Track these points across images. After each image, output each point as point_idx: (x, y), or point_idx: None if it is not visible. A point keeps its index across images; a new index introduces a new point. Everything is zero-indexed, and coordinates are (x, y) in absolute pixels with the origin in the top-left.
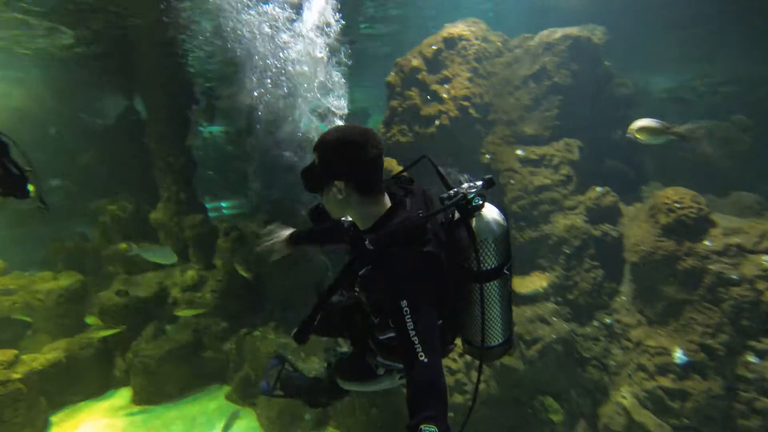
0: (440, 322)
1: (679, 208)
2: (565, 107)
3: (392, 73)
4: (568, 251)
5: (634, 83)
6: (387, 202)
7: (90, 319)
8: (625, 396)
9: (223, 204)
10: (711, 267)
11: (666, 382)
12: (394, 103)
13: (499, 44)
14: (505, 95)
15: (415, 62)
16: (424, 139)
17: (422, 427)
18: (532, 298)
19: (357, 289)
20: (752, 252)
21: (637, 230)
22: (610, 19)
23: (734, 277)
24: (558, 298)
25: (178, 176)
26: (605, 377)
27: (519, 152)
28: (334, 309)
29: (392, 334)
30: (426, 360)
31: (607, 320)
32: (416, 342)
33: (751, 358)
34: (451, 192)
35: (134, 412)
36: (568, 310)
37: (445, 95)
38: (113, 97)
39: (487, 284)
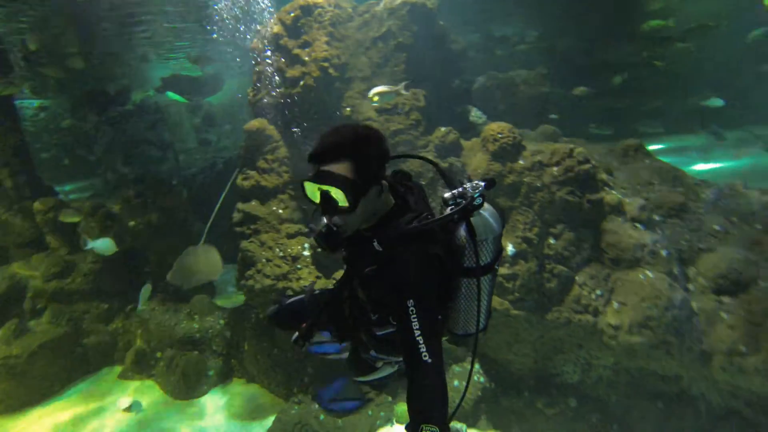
0: (440, 317)
1: (501, 138)
2: (410, 63)
3: (255, 40)
4: (424, 182)
5: (464, 39)
6: (390, 198)
7: None
8: None
9: (68, 188)
10: (525, 180)
11: (504, 270)
12: (259, 67)
13: (350, 10)
14: (359, 55)
15: (276, 29)
16: (292, 99)
17: (423, 427)
18: None
19: (357, 288)
20: (548, 165)
21: (475, 159)
22: None
23: (539, 185)
24: None
25: (11, 159)
26: None
27: (375, 103)
28: (318, 302)
29: (390, 330)
30: (429, 361)
31: None
32: (420, 342)
33: (551, 240)
34: (455, 192)
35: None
36: None
37: (306, 58)
38: None
39: (483, 279)
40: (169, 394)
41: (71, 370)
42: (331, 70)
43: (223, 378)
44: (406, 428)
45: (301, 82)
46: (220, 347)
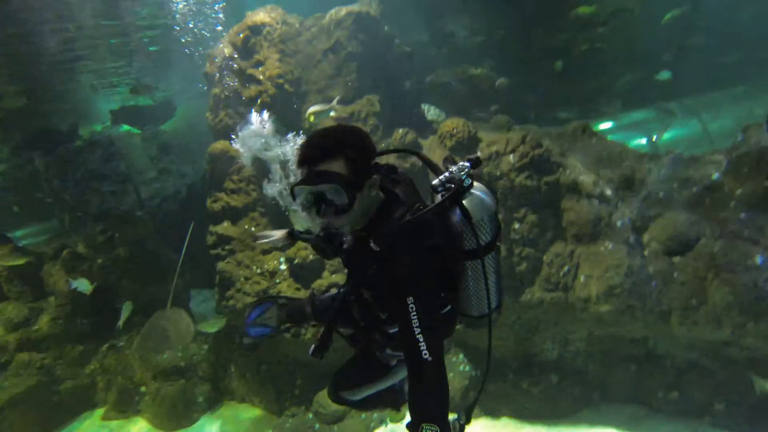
0: (449, 307)
1: (456, 133)
2: (361, 70)
3: (208, 64)
4: None
5: (412, 39)
6: (380, 194)
7: None
8: None
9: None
10: (485, 170)
11: None
12: (216, 90)
13: (297, 26)
14: (311, 68)
15: (228, 51)
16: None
17: (424, 426)
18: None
19: (362, 289)
20: (504, 154)
21: (434, 155)
22: None
23: (498, 173)
24: None
25: None
26: None
27: (332, 114)
28: (326, 308)
29: None
30: (430, 359)
31: None
32: (420, 340)
33: (516, 225)
34: (442, 178)
35: None
36: None
37: (261, 77)
38: None
39: (486, 258)
40: (158, 427)
41: (49, 420)
42: (286, 86)
43: (213, 403)
44: (407, 427)
45: (259, 101)
46: (207, 372)
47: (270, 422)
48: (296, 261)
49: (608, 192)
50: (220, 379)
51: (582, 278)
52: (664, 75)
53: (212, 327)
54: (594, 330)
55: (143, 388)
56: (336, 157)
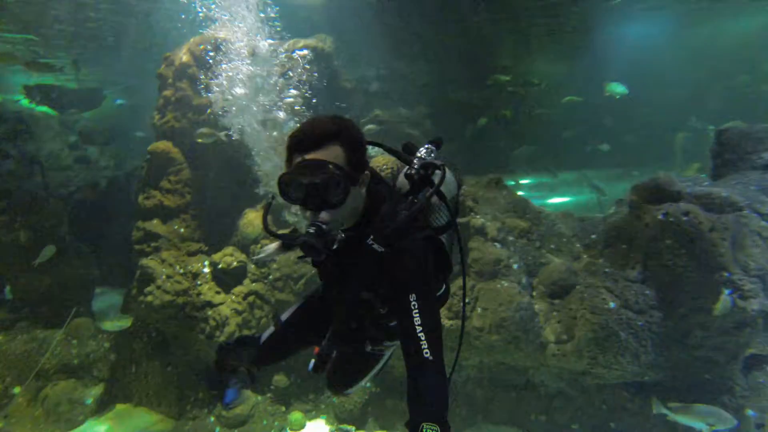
0: (444, 287)
1: (386, 169)
2: (308, 96)
3: (163, 66)
4: None
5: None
6: (363, 191)
7: None
8: None
9: None
10: None
11: None
12: (167, 92)
13: (255, 50)
14: (265, 89)
15: (186, 58)
16: (198, 125)
17: (424, 426)
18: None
19: (359, 290)
20: None
21: None
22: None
23: None
24: None
25: None
26: None
27: (275, 134)
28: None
29: None
30: (431, 358)
31: None
32: (422, 339)
33: None
34: (415, 165)
35: None
36: None
37: (216, 89)
38: None
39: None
40: (29, 429)
41: None
42: (235, 102)
43: (104, 405)
44: (406, 425)
45: (208, 110)
46: (103, 372)
47: (165, 427)
48: (220, 266)
49: (510, 238)
50: (117, 379)
51: (479, 310)
52: (604, 147)
53: (114, 326)
54: (484, 358)
55: (17, 389)
56: (332, 144)
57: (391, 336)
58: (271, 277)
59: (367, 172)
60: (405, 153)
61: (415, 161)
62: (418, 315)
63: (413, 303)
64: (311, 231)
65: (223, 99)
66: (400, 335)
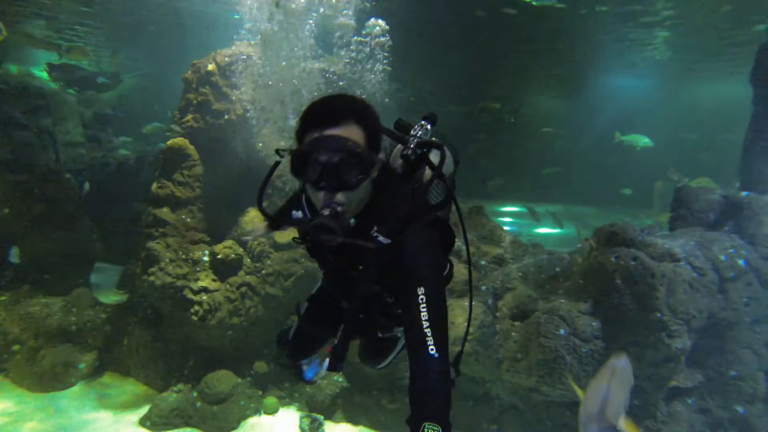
0: (448, 268)
1: None
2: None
3: (190, 72)
4: None
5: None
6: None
7: None
8: None
9: None
10: None
11: None
12: (191, 96)
13: (275, 67)
14: (276, 103)
15: (211, 67)
16: (214, 128)
17: (426, 424)
18: (287, 245)
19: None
20: None
21: None
22: None
23: None
24: None
25: None
26: None
27: (282, 143)
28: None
29: None
30: (436, 355)
31: None
32: (428, 334)
33: None
34: (411, 144)
35: None
36: None
37: (234, 97)
38: None
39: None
40: (26, 388)
41: None
42: (252, 112)
43: (96, 371)
44: (407, 422)
45: (226, 116)
46: (97, 341)
47: (150, 398)
48: (219, 256)
49: (483, 263)
50: (109, 350)
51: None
52: (626, 191)
53: (110, 299)
54: None
55: (16, 347)
56: (352, 121)
57: (401, 322)
58: (264, 271)
59: (381, 156)
60: (398, 131)
61: (410, 140)
62: (425, 308)
63: (421, 297)
64: (324, 213)
65: (241, 108)
66: (405, 329)
